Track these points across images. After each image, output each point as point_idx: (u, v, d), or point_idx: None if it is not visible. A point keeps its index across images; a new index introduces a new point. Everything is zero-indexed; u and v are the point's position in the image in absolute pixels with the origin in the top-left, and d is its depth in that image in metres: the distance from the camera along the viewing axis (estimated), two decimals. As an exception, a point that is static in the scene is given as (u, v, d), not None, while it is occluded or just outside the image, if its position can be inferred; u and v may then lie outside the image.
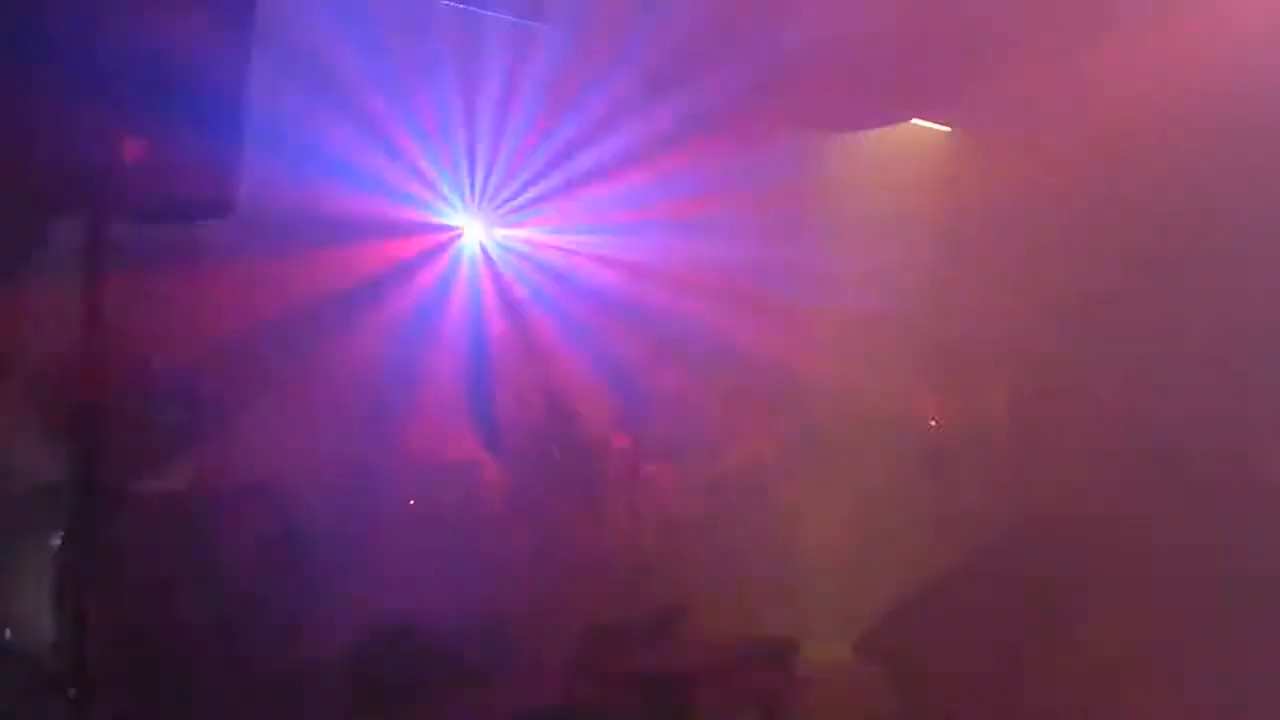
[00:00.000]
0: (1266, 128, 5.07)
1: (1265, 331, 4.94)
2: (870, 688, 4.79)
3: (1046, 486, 5.52)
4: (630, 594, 5.44)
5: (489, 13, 5.04)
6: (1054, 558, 4.99)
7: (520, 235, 5.96)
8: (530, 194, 5.80)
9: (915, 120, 6.73)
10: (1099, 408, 5.57)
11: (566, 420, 5.66)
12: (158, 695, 3.68)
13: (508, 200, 5.83)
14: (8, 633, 3.47)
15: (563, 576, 5.24)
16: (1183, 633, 4.37)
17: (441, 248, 5.61)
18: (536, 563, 5.28)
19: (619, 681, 4.79)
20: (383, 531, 4.58)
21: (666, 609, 5.54)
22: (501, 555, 5.21)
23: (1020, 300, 5.87)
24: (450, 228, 5.66)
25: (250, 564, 4.27)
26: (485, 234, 5.86)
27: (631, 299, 5.74)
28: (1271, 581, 4.46)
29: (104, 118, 2.65)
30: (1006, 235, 5.93)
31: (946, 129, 6.78)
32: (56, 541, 3.27)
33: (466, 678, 4.71)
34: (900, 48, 5.87)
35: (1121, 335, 5.48)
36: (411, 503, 5.15)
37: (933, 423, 6.41)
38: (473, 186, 5.65)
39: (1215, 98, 5.16)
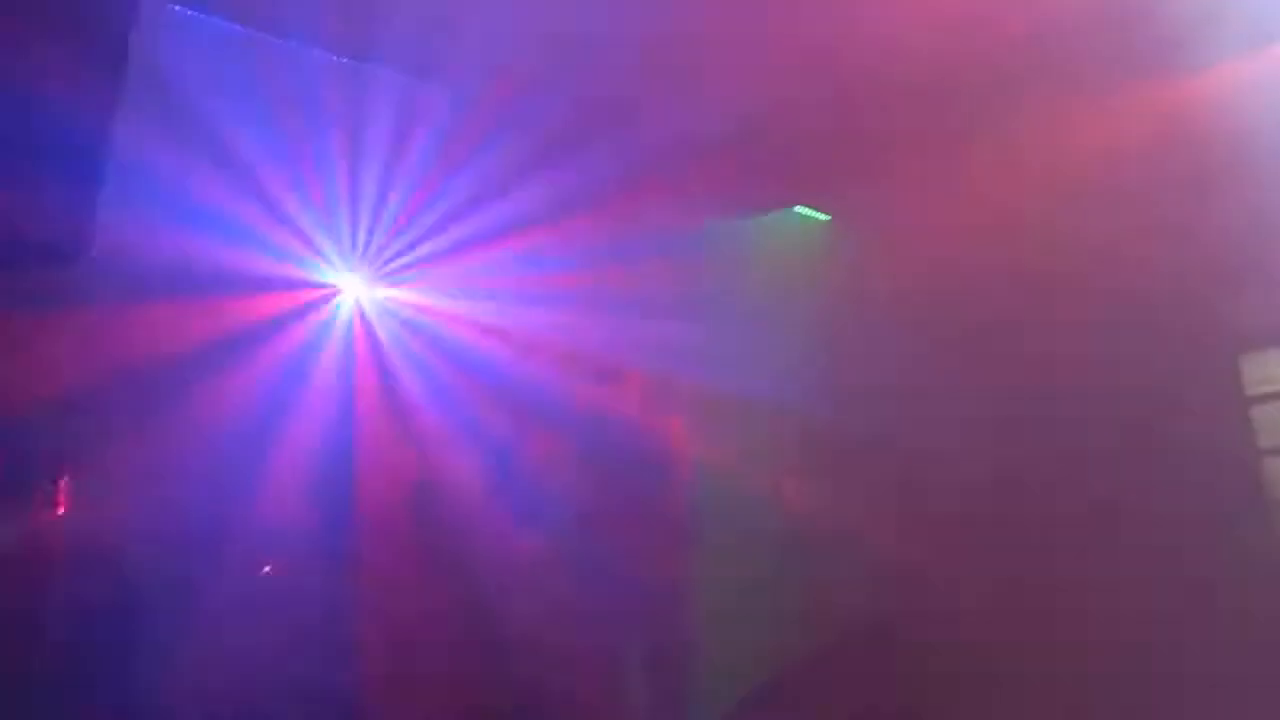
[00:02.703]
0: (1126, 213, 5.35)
1: (1138, 405, 5.15)
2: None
3: (910, 577, 5.61)
4: (495, 673, 5.31)
5: (372, 67, 4.98)
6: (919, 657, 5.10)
7: (398, 296, 5.88)
8: (410, 256, 5.73)
9: (798, 208, 6.90)
10: (966, 493, 5.71)
11: (431, 490, 5.54)
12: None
13: (387, 261, 5.75)
14: None
15: (422, 653, 5.09)
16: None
17: (315, 305, 5.49)
18: (391, 638, 5.12)
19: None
20: (225, 599, 4.39)
21: (533, 687, 5.42)
22: (355, 628, 5.05)
23: (889, 386, 6.00)
24: (326, 285, 5.54)
25: (81, 628, 4.06)
26: (362, 293, 5.76)
27: (505, 367, 5.70)
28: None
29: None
30: (879, 322, 6.11)
31: (826, 217, 6.96)
32: None
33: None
34: (786, 139, 6.05)
35: (990, 422, 5.65)
36: (267, 569, 4.97)
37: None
38: (352, 245, 5.57)
39: (1076, 193, 5.44)
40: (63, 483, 4.14)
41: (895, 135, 5.82)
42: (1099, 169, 5.42)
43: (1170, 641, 4.69)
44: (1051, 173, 5.52)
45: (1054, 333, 5.53)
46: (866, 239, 6.63)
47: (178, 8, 4.27)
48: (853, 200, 6.65)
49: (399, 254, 5.75)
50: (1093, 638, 4.92)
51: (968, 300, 5.93)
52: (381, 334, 5.81)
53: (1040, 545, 5.35)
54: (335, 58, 4.84)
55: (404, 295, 5.89)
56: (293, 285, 5.28)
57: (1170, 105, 5.35)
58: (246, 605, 4.60)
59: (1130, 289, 5.29)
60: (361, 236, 5.57)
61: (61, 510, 4.13)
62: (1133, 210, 5.39)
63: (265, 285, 5.06)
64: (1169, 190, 5.27)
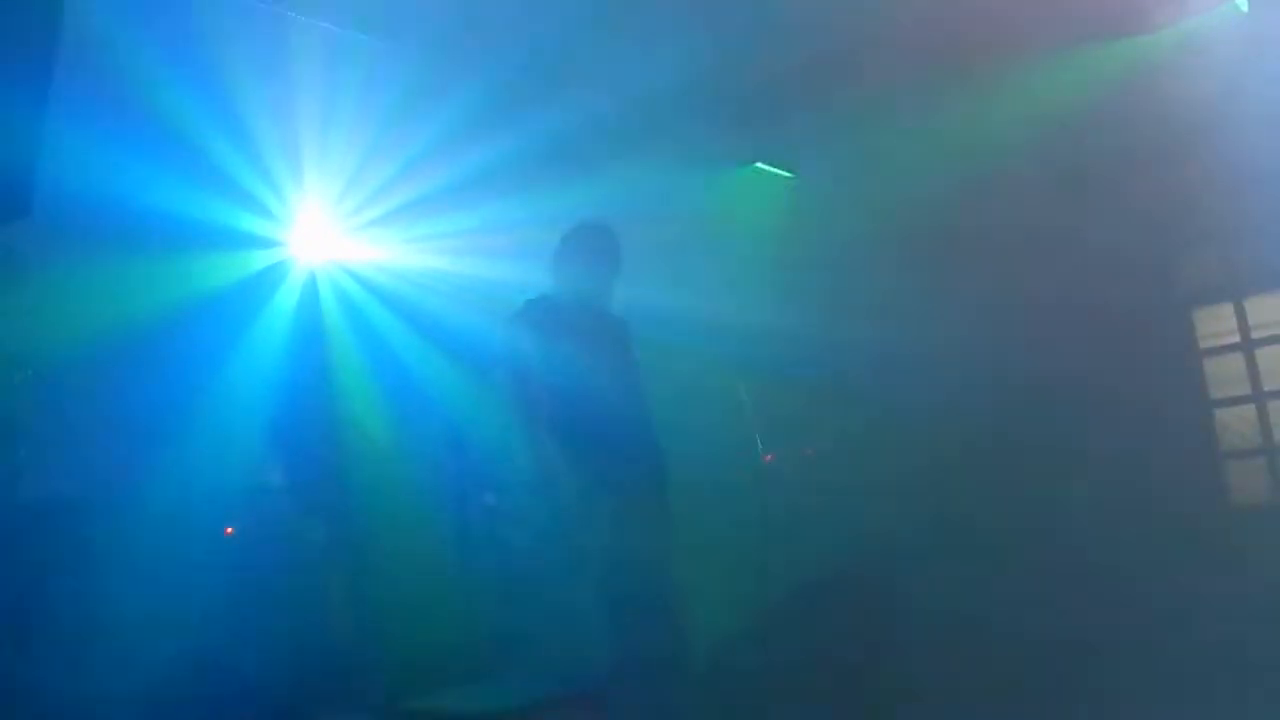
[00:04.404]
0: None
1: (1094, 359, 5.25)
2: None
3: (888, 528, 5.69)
4: (447, 628, 5.34)
5: (310, 18, 4.91)
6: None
7: (351, 257, 5.86)
8: (363, 215, 5.70)
9: (759, 164, 6.91)
10: (924, 439, 5.79)
11: (392, 447, 5.55)
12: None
13: (339, 220, 5.73)
14: None
15: (380, 611, 5.13)
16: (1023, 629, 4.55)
17: (267, 263, 5.46)
18: (349, 597, 5.15)
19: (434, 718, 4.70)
20: (183, 555, 4.39)
21: (488, 647, 5.46)
22: (314, 588, 5.07)
23: (853, 337, 6.06)
24: (277, 243, 5.52)
25: (42, 584, 4.07)
26: (312, 253, 5.73)
27: (460, 325, 5.68)
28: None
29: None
30: (838, 275, 6.17)
31: (788, 174, 6.99)
32: None
33: (279, 712, 4.56)
34: (748, 93, 6.05)
35: (949, 368, 5.73)
36: (229, 531, 4.98)
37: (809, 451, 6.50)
38: (302, 202, 5.54)
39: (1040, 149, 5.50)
40: (19, 448, 4.13)
41: (856, 92, 5.83)
42: (1058, 125, 5.47)
43: (1125, 586, 4.80)
44: (1010, 133, 5.56)
45: (1011, 286, 5.60)
46: (826, 193, 6.67)
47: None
48: (813, 157, 6.69)
49: (351, 212, 5.73)
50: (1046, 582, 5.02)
51: (926, 255, 5.99)
52: (335, 292, 5.80)
53: (1004, 491, 5.45)
54: (276, 9, 4.78)
55: (359, 252, 5.88)
56: (242, 243, 5.24)
57: (1127, 65, 5.42)
58: (209, 566, 4.60)
59: (1089, 247, 5.36)
60: (311, 193, 5.54)
61: (21, 477, 4.11)
62: (1090, 171, 5.46)
63: (213, 243, 5.03)
64: (1123, 152, 5.34)
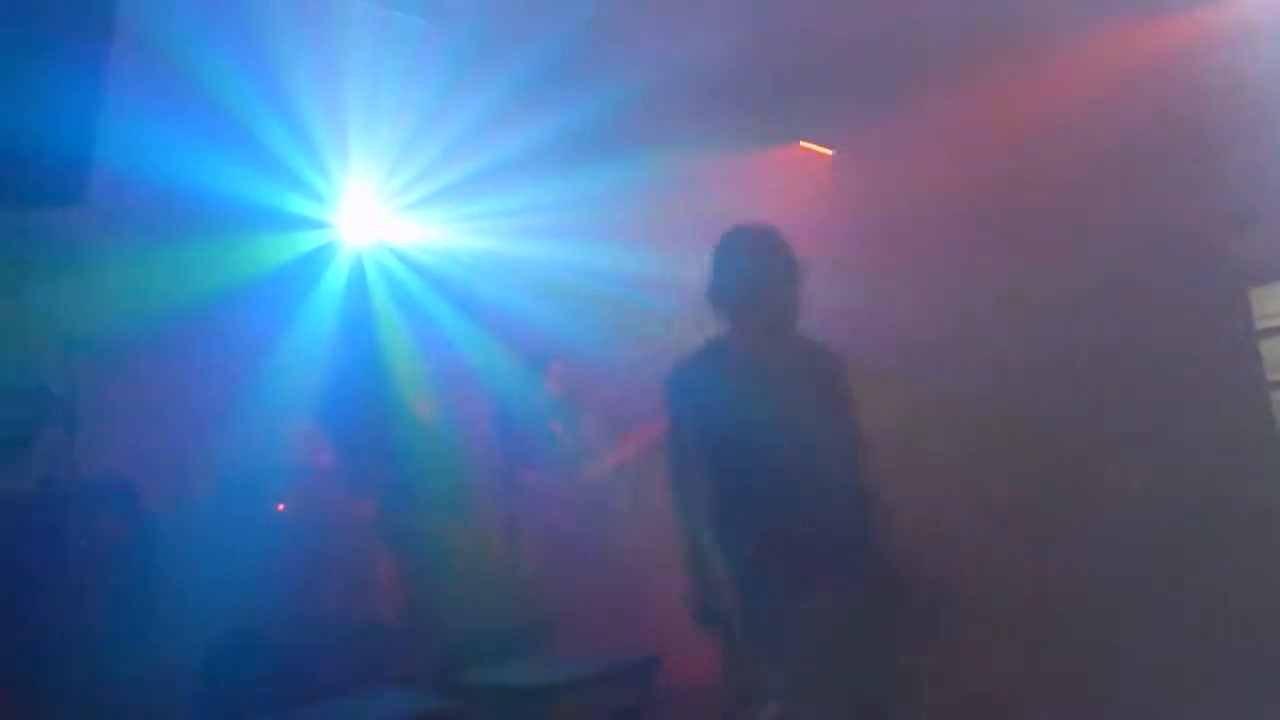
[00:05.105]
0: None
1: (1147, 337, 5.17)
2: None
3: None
4: (498, 604, 5.39)
5: (372, 6, 4.93)
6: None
7: (398, 238, 5.90)
8: (409, 196, 5.73)
9: (802, 143, 6.87)
10: (972, 418, 5.73)
11: (440, 425, 5.60)
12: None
13: (387, 202, 5.76)
14: None
15: (428, 585, 5.18)
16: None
17: (314, 248, 5.51)
18: (400, 571, 5.21)
19: (482, 694, 4.75)
20: (235, 535, 4.46)
21: (534, 621, 5.51)
22: (364, 562, 5.13)
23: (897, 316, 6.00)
24: (322, 225, 5.56)
25: (98, 563, 4.14)
26: (360, 236, 5.77)
27: (507, 306, 5.72)
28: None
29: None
30: (882, 254, 6.11)
31: (830, 152, 6.94)
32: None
33: (324, 686, 4.63)
34: (789, 75, 6.00)
35: (990, 345, 5.67)
36: (280, 507, 5.04)
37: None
38: (351, 184, 5.58)
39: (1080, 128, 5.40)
40: (74, 426, 4.18)
41: (897, 70, 5.77)
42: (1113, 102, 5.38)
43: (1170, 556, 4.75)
44: (1054, 113, 5.48)
45: (1056, 277, 5.51)
46: (867, 172, 6.61)
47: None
48: (854, 136, 6.64)
49: (398, 193, 5.76)
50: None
51: (968, 232, 5.92)
52: (382, 273, 5.85)
53: (1044, 461, 5.38)
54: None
55: (405, 233, 5.92)
56: (290, 225, 5.29)
57: (1187, 39, 5.31)
58: (262, 543, 4.66)
59: (1138, 225, 5.27)
60: (358, 175, 5.58)
61: (76, 453, 4.17)
62: (1141, 152, 5.35)
63: (262, 226, 5.08)
64: (1178, 131, 5.24)
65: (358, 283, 5.68)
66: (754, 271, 3.23)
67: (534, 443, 5.97)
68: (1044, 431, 5.48)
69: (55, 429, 4.11)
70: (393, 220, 5.84)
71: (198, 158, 4.47)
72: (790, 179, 6.80)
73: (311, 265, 5.46)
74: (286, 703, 4.38)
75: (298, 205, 5.29)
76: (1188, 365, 5.08)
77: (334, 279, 5.58)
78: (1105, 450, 5.27)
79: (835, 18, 5.50)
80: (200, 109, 4.53)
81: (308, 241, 5.45)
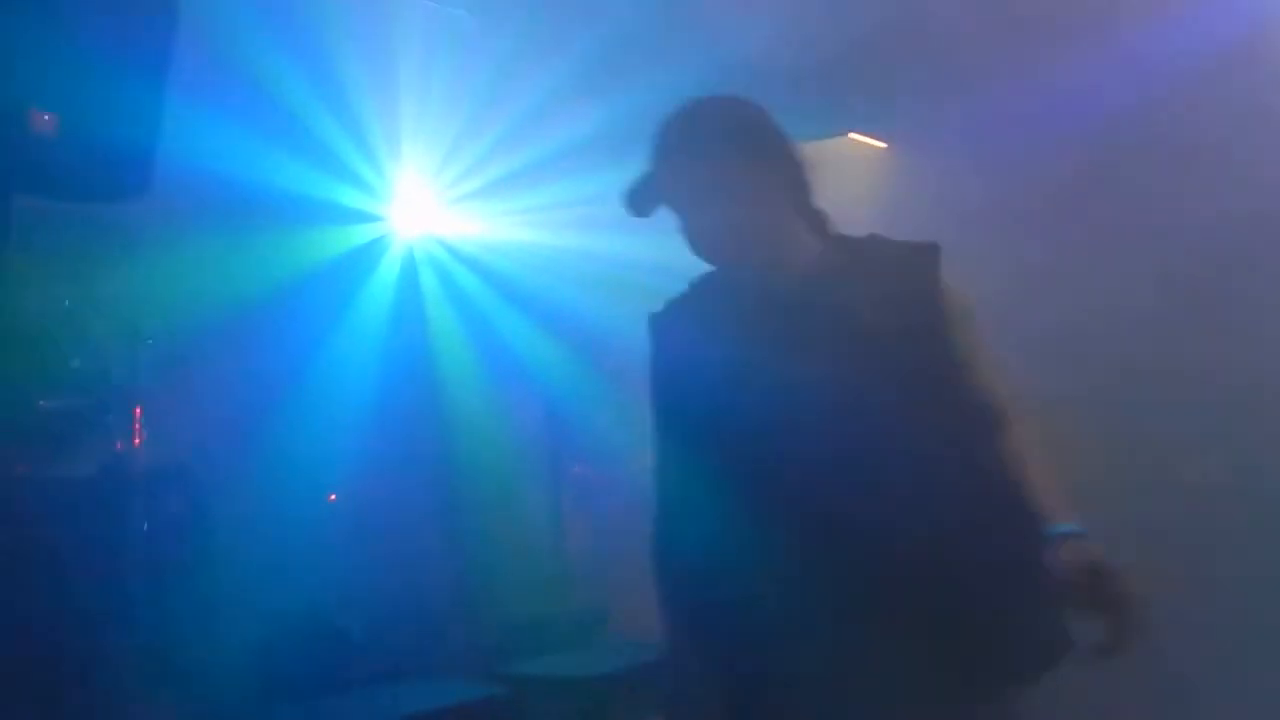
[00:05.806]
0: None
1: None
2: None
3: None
4: (551, 595, 5.43)
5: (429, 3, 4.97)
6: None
7: (449, 231, 5.94)
8: (461, 189, 5.77)
9: (852, 135, 6.80)
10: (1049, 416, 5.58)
11: (490, 418, 5.64)
12: (60, 682, 3.63)
13: (439, 195, 5.80)
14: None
15: (482, 575, 5.22)
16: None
17: (367, 240, 5.57)
18: (456, 560, 5.25)
19: (532, 683, 4.79)
20: (296, 524, 4.53)
21: (586, 611, 5.54)
22: (420, 551, 5.18)
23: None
24: (376, 218, 5.61)
25: (159, 548, 4.23)
26: (412, 229, 5.82)
27: (557, 298, 5.73)
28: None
29: (14, 92, 2.61)
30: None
31: (882, 144, 6.86)
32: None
33: (375, 673, 4.69)
34: (838, 66, 5.95)
35: (1050, 341, 5.54)
36: (332, 497, 5.11)
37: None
38: (407, 177, 5.62)
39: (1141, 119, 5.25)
40: (138, 413, 4.27)
41: (948, 60, 5.70)
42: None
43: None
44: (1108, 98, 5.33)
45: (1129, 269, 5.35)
46: (919, 164, 6.52)
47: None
48: (906, 127, 6.55)
49: (450, 185, 5.80)
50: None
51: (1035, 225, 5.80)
52: (434, 266, 5.89)
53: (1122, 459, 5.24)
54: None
55: (457, 226, 5.96)
56: (343, 218, 5.35)
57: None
58: (315, 533, 4.73)
59: (1216, 219, 5.10)
60: (410, 168, 5.63)
61: (138, 441, 4.26)
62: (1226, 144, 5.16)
63: (321, 217, 5.14)
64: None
65: (409, 275, 5.73)
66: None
67: (582, 436, 6.00)
68: (1124, 430, 5.32)
69: (117, 416, 4.20)
70: (444, 213, 5.88)
71: (255, 152, 4.53)
72: (841, 171, 6.75)
73: (365, 257, 5.52)
74: (337, 688, 4.45)
75: (352, 199, 5.34)
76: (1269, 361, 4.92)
77: (387, 271, 5.63)
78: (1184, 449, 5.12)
79: (881, 7, 5.45)
80: (258, 103, 4.59)
81: (362, 234, 5.50)
